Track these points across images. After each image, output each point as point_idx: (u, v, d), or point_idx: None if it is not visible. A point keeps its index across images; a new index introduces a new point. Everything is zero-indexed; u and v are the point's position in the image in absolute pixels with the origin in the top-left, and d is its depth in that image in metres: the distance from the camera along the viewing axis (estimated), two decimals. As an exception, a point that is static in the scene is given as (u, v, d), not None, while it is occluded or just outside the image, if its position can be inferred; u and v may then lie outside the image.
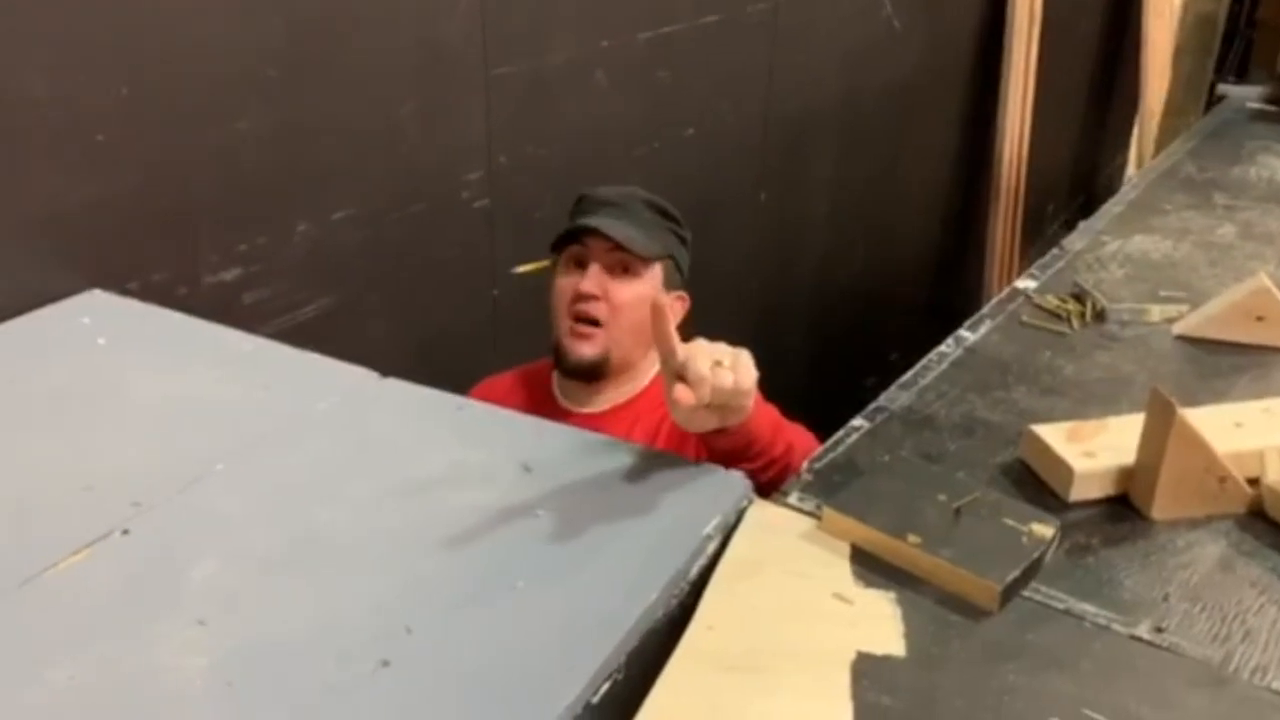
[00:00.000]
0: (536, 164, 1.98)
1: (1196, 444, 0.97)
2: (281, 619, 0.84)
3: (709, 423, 1.02)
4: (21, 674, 0.77)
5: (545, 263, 1.51)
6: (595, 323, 1.40)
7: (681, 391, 0.94)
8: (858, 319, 3.38)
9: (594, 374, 1.43)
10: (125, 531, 0.92)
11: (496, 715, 0.75)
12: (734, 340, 1.02)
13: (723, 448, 1.07)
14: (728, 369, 0.96)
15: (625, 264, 1.41)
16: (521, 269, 1.56)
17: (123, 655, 0.79)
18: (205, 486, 0.98)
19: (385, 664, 0.79)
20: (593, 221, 1.39)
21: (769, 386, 1.10)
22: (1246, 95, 2.56)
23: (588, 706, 0.77)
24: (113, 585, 0.86)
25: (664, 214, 1.47)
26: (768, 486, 1.07)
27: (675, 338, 0.96)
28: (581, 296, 1.40)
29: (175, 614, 0.83)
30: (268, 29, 1.48)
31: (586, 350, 1.41)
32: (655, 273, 1.44)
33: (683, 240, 1.50)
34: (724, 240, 2.58)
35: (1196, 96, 2.86)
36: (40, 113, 1.26)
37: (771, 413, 1.17)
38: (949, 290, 3.99)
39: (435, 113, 1.77)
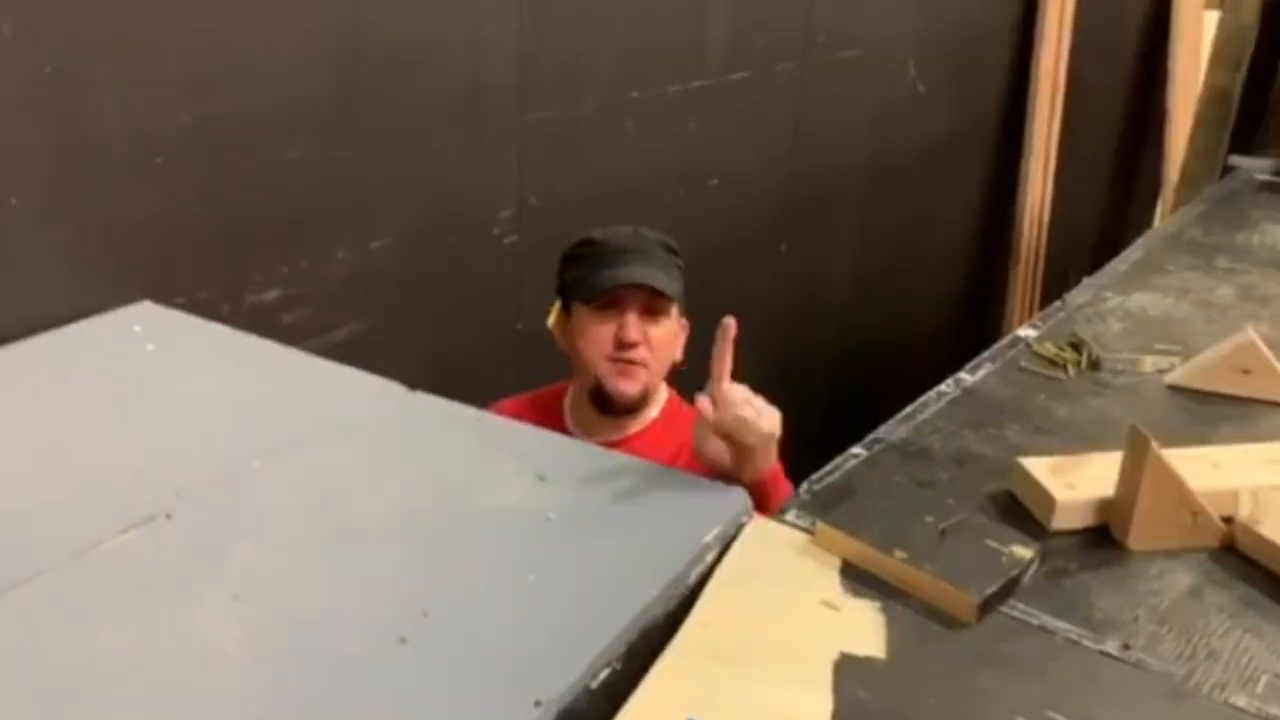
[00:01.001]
0: (565, 205, 2.06)
1: (1170, 478, 1.03)
2: (310, 598, 0.91)
3: (719, 452, 1.12)
4: (70, 638, 0.85)
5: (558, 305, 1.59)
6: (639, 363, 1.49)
7: (704, 404, 1.09)
8: (875, 372, 3.43)
9: (636, 408, 1.52)
10: (168, 516, 1.00)
11: (500, 692, 0.82)
12: (751, 385, 1.14)
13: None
14: (755, 409, 1.12)
15: (656, 306, 1.49)
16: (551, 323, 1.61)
17: (163, 623, 0.87)
18: (243, 479, 1.06)
19: (403, 641, 0.86)
20: (634, 275, 1.46)
21: (787, 432, 1.17)
22: (1256, 166, 2.64)
23: (586, 690, 0.83)
24: (156, 562, 0.94)
25: (671, 250, 1.55)
26: None
27: (729, 360, 1.11)
28: (626, 345, 1.47)
29: (212, 590, 0.90)
30: (320, 66, 1.59)
31: (631, 388, 1.49)
32: (674, 307, 1.52)
33: (682, 270, 1.58)
34: (743, 286, 2.65)
35: (1211, 167, 2.92)
36: (109, 136, 1.36)
37: (788, 492, 1.24)
38: (966, 345, 4.03)
39: (472, 151, 1.87)
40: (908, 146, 3.18)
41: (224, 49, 1.46)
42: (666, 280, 1.48)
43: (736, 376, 1.12)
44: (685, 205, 2.40)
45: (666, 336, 1.50)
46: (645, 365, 1.49)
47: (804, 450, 1.36)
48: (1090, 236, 4.88)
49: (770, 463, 1.17)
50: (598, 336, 1.49)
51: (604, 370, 1.49)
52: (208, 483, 1.05)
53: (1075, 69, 3.76)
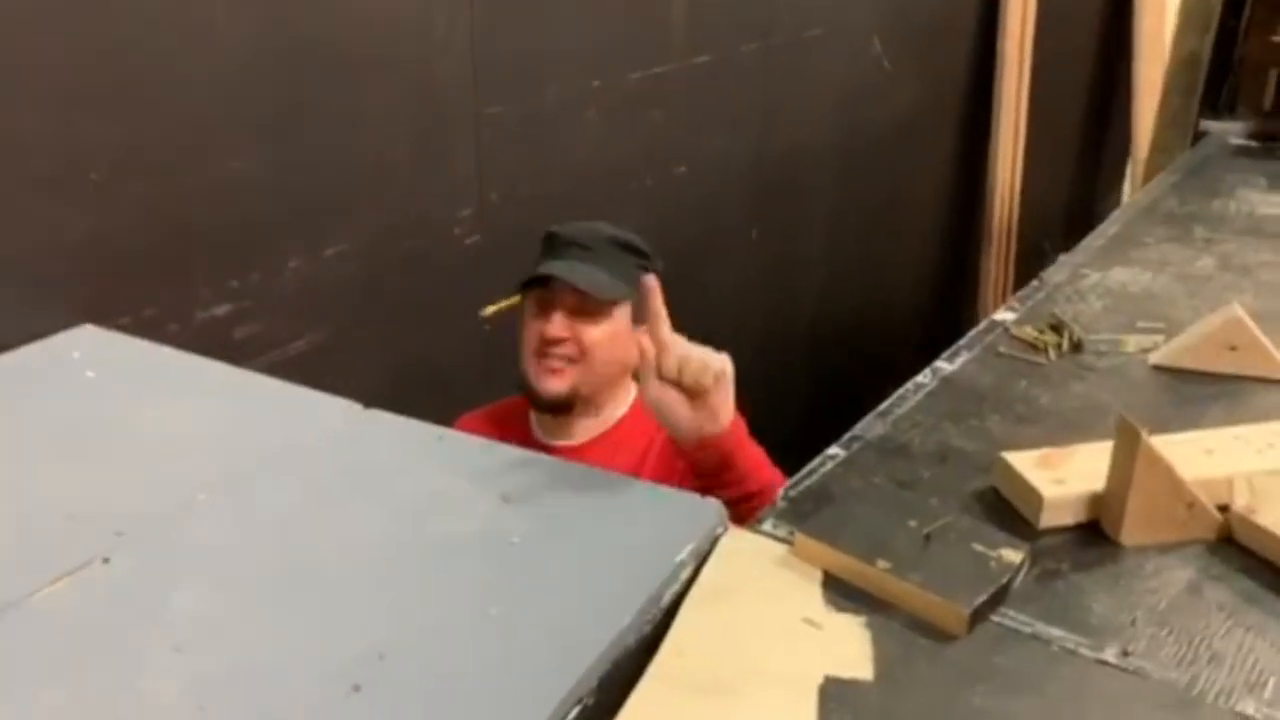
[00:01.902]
0: (528, 201, 2.00)
1: (1163, 469, 0.99)
2: (257, 645, 0.85)
3: (677, 404, 1.09)
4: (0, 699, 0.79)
5: (515, 299, 1.53)
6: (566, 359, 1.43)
7: (644, 343, 1.08)
8: (852, 355, 3.39)
9: (563, 408, 1.46)
10: (106, 560, 0.93)
11: (465, 738, 0.76)
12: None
13: (701, 460, 1.14)
14: (700, 350, 1.09)
15: (589, 307, 1.43)
16: (490, 310, 1.58)
17: (99, 681, 0.81)
18: (187, 517, 1.00)
19: (356, 689, 0.80)
20: (556, 269, 1.42)
21: (762, 419, 1.13)
22: (1229, 131, 2.60)
23: (558, 730, 0.78)
24: (92, 613, 0.88)
25: (631, 249, 1.48)
26: (747, 518, 1.09)
27: (664, 314, 1.07)
28: (549, 341, 1.42)
29: (152, 641, 0.84)
30: (261, 70, 1.51)
31: (555, 385, 1.44)
32: (624, 310, 1.46)
33: (653, 272, 1.52)
34: (716, 277, 2.60)
35: (1183, 134, 2.89)
36: (35, 151, 1.29)
37: (757, 451, 1.21)
38: (943, 326, 4.00)
39: (427, 151, 1.80)
40: (876, 125, 3.13)
41: (157, 56, 1.39)
42: (604, 281, 1.42)
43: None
44: (653, 195, 2.34)
45: (604, 338, 1.44)
46: (574, 362, 1.43)
47: (781, 439, 1.31)
48: (1061, 207, 4.86)
49: (730, 409, 1.14)
50: (528, 333, 1.46)
51: (531, 368, 1.45)
52: (148, 522, 0.98)
53: (1041, 39, 3.72)
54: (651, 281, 1.09)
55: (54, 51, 1.28)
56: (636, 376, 1.15)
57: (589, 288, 1.40)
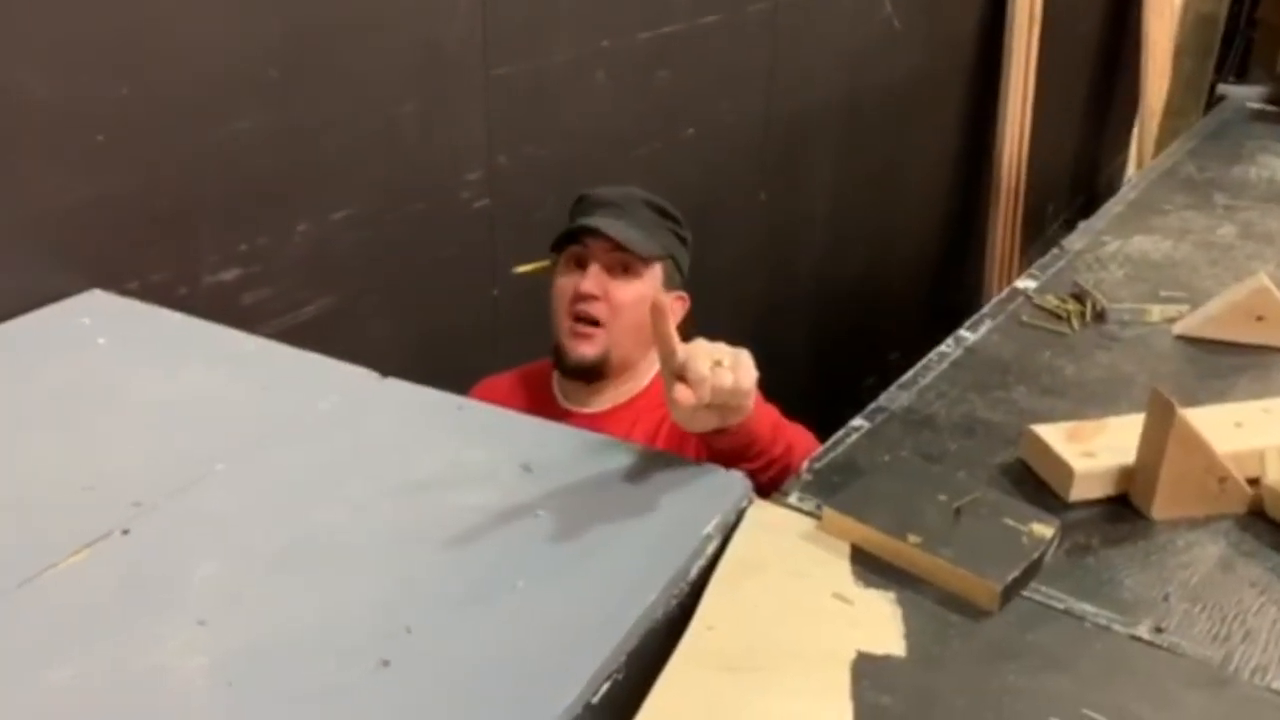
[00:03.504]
0: (536, 164, 1.98)
1: (1196, 444, 0.97)
2: (282, 619, 0.83)
3: (709, 422, 1.02)
4: (20, 674, 0.77)
5: (545, 263, 1.51)
6: (595, 323, 1.41)
7: (681, 392, 0.95)
8: (858, 319, 3.38)
9: (594, 374, 1.43)
10: (125, 531, 0.92)
11: (495, 716, 0.75)
12: (734, 340, 1.02)
13: (723, 447, 1.07)
14: (727, 369, 0.96)
15: (625, 264, 1.41)
16: (521, 269, 1.56)
17: (122, 655, 0.79)
18: (206, 486, 0.98)
19: (385, 664, 0.79)
20: (592, 221, 1.39)
21: (769, 385, 1.10)
22: (1247, 95, 2.57)
23: (588, 707, 0.77)
24: (112, 585, 0.86)
25: (664, 214, 1.47)
26: (768, 486, 1.07)
27: (675, 338, 0.96)
28: (581, 296, 1.40)
29: (175, 614, 0.83)
30: (268, 30, 1.48)
31: (587, 350, 1.41)
32: (655, 273, 1.44)
33: (683, 240, 1.50)
34: (724, 240, 2.58)
35: (1197, 97, 2.85)
36: (39, 113, 1.26)
37: (772, 413, 1.17)
38: (949, 290, 3.99)
39: (435, 113, 1.77)
40: (885, 85, 3.10)
41: (162, 12, 1.35)
42: (639, 238, 1.40)
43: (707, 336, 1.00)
44: (661, 158, 2.31)
45: (635, 299, 1.40)
46: (604, 325, 1.40)
47: (789, 400, 1.29)
48: (1066, 171, 4.83)
49: (752, 404, 1.04)
50: (560, 290, 1.43)
51: (563, 329, 1.42)
52: (167, 492, 0.97)
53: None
54: (655, 303, 0.95)
55: (59, 12, 1.25)
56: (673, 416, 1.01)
57: (625, 240, 1.38)
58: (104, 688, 0.77)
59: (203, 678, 0.77)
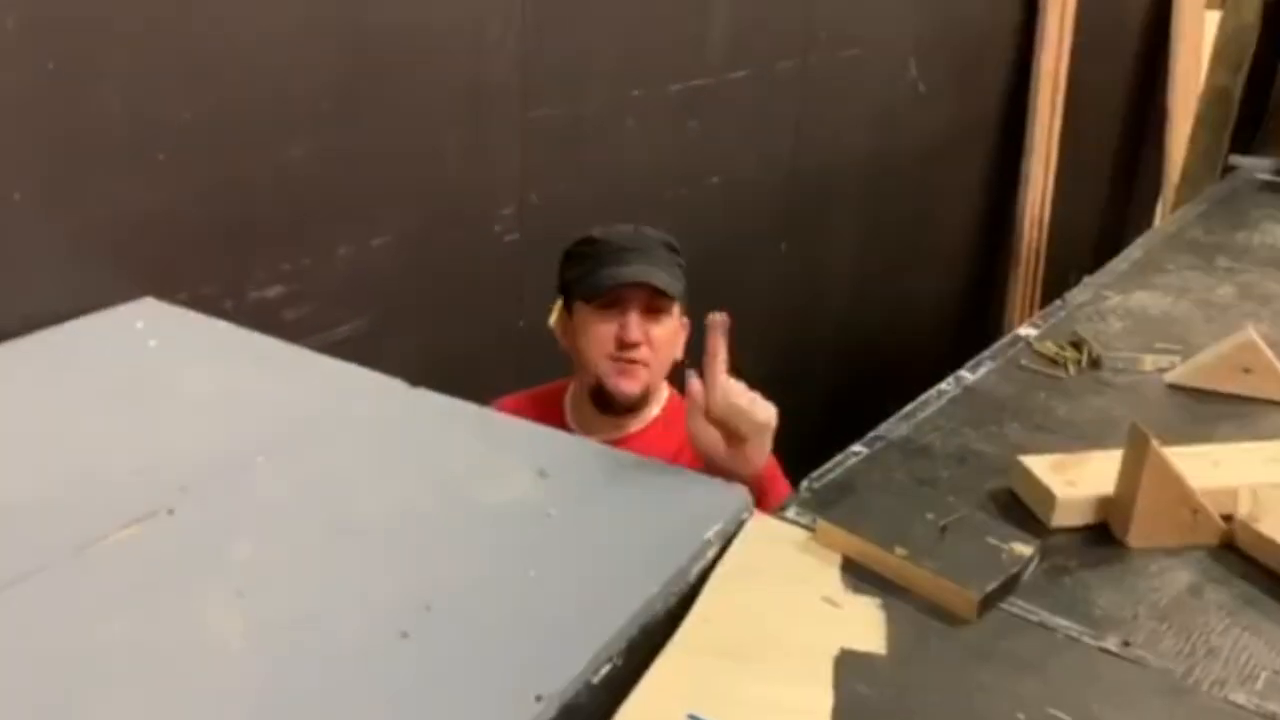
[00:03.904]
0: (566, 203, 2.07)
1: (1170, 476, 1.04)
2: (312, 593, 0.91)
3: (716, 444, 1.12)
4: (73, 632, 0.85)
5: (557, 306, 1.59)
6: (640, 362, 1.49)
7: (695, 385, 1.09)
8: (876, 371, 3.43)
9: (637, 407, 1.53)
10: (171, 512, 1.00)
11: (501, 686, 0.82)
12: (749, 385, 1.14)
13: None
14: (750, 399, 1.11)
15: (658, 306, 1.49)
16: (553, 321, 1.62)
17: (166, 618, 0.87)
18: (247, 475, 1.06)
19: (404, 635, 0.86)
20: (635, 274, 1.46)
21: (786, 432, 1.17)
22: (1257, 166, 2.64)
23: (587, 685, 0.84)
24: (158, 558, 0.94)
25: (673, 249, 1.55)
26: None
27: (722, 354, 1.10)
28: (627, 345, 1.47)
29: (216, 584, 0.91)
30: (324, 63, 1.59)
31: (633, 387, 1.49)
32: (677, 307, 1.52)
33: (683, 269, 1.58)
34: (744, 286, 2.65)
35: (1212, 167, 2.92)
36: (111, 130, 1.36)
37: (786, 490, 1.24)
38: (967, 349, 4.03)
39: (474, 149, 1.87)
40: (908, 146, 3.18)
41: (226, 44, 1.46)
42: (668, 279, 1.48)
43: (731, 374, 1.12)
44: (686, 204, 2.40)
45: (668, 335, 1.51)
46: (646, 364, 1.49)
47: (803, 449, 1.35)
48: (1091, 236, 4.88)
49: (764, 457, 1.17)
50: (599, 336, 1.49)
51: (605, 369, 1.49)
52: (210, 479, 1.05)
53: (1076, 69, 3.76)
54: (720, 319, 1.11)
55: (130, 34, 1.36)
56: (685, 416, 1.16)
57: (666, 286, 1.46)
58: (148, 648, 0.84)
59: (238, 641, 0.85)
